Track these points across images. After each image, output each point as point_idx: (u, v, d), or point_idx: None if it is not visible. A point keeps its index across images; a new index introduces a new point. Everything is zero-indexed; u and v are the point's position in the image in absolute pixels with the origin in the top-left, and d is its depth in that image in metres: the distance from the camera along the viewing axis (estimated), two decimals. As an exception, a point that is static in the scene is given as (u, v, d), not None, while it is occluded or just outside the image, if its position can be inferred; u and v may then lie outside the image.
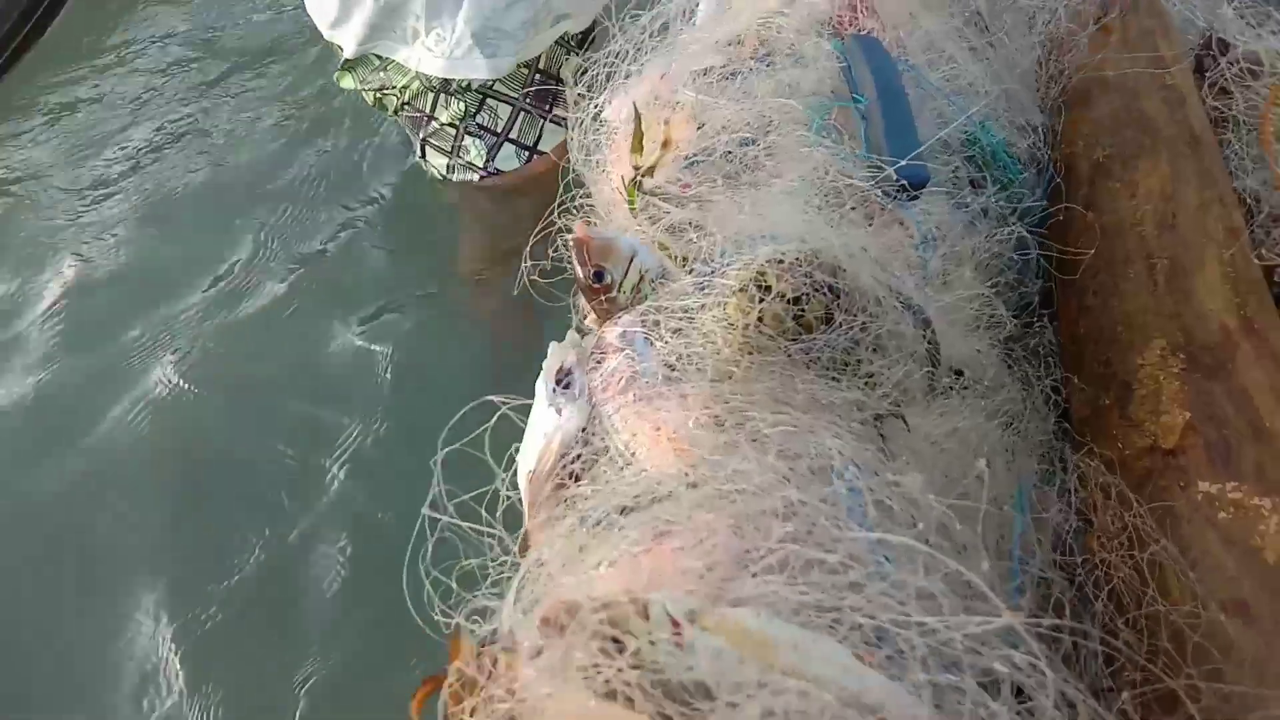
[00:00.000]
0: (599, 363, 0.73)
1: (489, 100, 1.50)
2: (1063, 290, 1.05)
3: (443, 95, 1.49)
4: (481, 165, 1.57)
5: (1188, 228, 1.01)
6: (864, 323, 0.72)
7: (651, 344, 0.71)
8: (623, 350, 0.71)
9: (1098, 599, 0.78)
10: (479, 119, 1.52)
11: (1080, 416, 0.97)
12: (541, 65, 1.52)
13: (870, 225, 0.81)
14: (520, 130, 1.54)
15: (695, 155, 0.85)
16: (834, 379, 0.70)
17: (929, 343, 0.77)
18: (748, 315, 0.69)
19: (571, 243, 0.76)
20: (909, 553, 0.59)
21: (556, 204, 0.95)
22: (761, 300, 0.69)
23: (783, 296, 0.69)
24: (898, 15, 1.03)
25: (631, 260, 0.76)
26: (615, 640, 0.44)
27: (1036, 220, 1.07)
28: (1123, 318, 0.98)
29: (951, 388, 0.81)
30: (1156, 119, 1.11)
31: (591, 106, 0.99)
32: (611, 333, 0.73)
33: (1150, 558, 0.79)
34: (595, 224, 0.86)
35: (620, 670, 0.43)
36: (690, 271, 0.75)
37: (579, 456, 0.66)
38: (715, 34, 1.01)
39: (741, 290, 0.69)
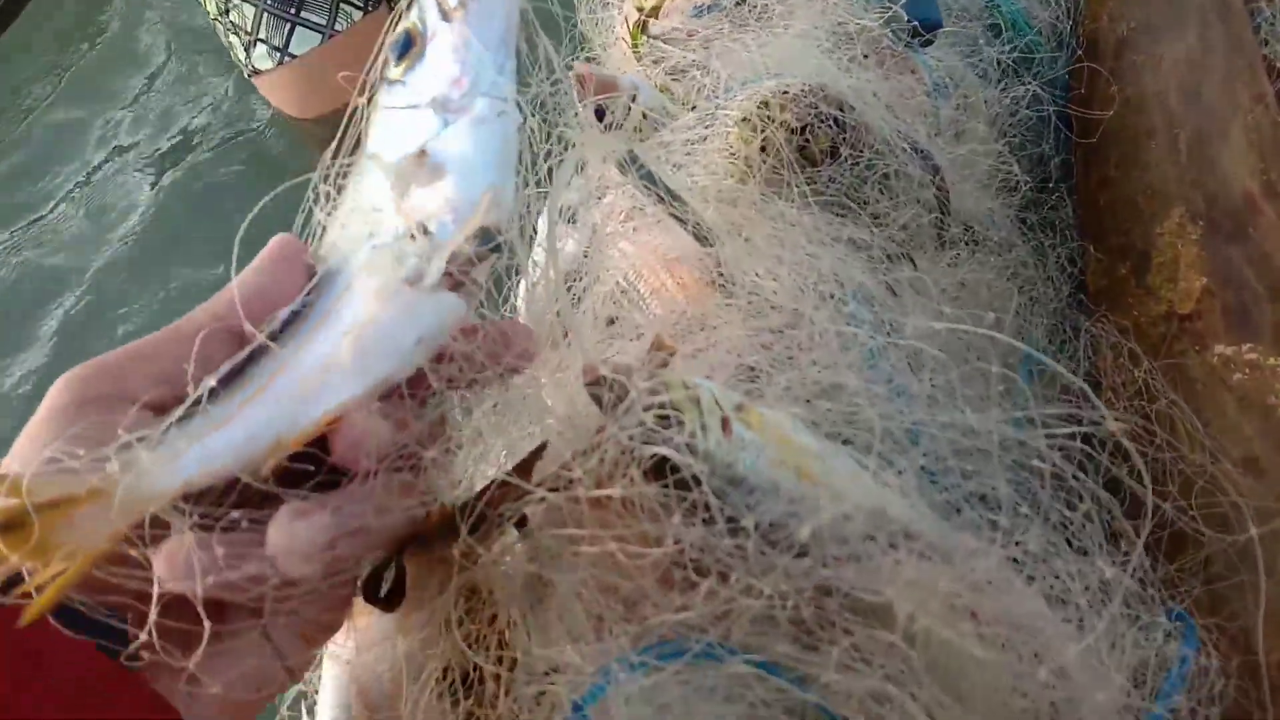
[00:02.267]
0: (599, 199, 0.71)
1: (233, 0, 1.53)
2: (1082, 163, 1.03)
3: None
4: (244, 63, 1.59)
5: (1213, 96, 0.97)
6: (870, 160, 0.70)
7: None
8: (623, 185, 0.70)
9: (1103, 452, 0.76)
10: (230, 18, 1.54)
11: (1097, 287, 0.95)
12: None
13: (881, 70, 0.78)
14: (268, 31, 1.55)
15: (704, 3, 0.83)
16: (839, 215, 0.69)
17: (938, 189, 0.75)
18: (750, 145, 0.67)
19: (571, 79, 0.74)
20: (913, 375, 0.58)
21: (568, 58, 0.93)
22: (764, 131, 0.67)
23: (786, 126, 0.67)
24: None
25: (634, 98, 0.74)
26: (665, 419, 0.42)
27: (1058, 95, 1.04)
28: (1143, 188, 0.96)
29: (961, 240, 0.79)
30: (1185, -11, 1.07)
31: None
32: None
33: (1160, 413, 0.78)
34: (598, 63, 0.84)
35: (677, 447, 0.41)
36: (693, 109, 0.73)
37: (579, 278, 0.65)
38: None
39: (744, 120, 0.67)
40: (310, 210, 0.46)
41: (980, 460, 0.58)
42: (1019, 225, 0.92)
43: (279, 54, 1.55)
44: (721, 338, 0.55)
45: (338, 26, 1.59)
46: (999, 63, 0.86)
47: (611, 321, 0.67)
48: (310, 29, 1.55)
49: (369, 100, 0.46)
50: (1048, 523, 0.54)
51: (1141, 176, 0.96)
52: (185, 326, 0.41)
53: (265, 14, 1.52)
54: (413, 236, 0.42)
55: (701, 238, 0.58)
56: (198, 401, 0.39)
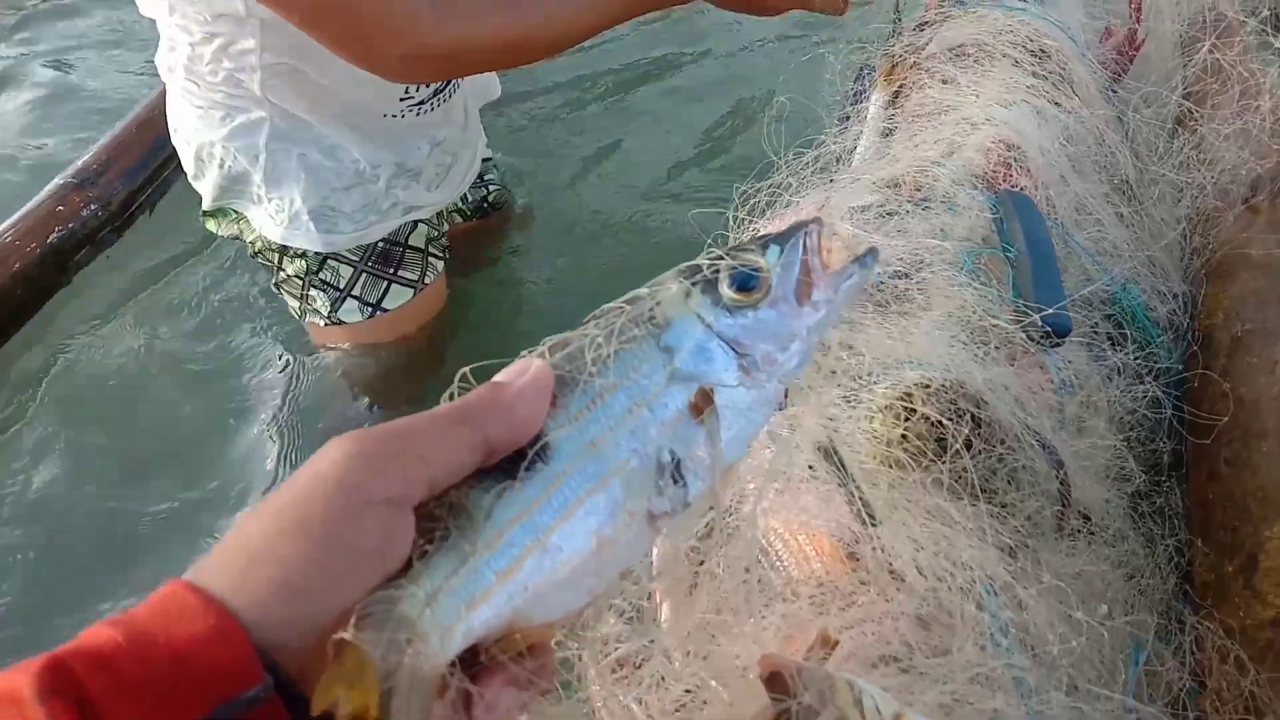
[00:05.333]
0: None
1: (330, 261, 1.58)
2: (1194, 455, 1.07)
3: (288, 253, 1.57)
4: (326, 315, 1.63)
5: (1327, 408, 1.02)
6: (1001, 454, 0.75)
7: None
8: (767, 448, 0.76)
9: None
10: (322, 275, 1.59)
11: (1202, 581, 0.97)
12: (388, 235, 1.60)
13: (1012, 365, 0.85)
14: (363, 289, 1.62)
15: (849, 282, 0.91)
16: (971, 505, 0.74)
17: (1061, 483, 0.80)
18: (892, 431, 0.73)
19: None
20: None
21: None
22: (907, 420, 0.74)
23: (927, 419, 0.73)
24: (1049, 176, 1.09)
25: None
26: None
27: (1171, 385, 1.10)
28: (1254, 490, 0.99)
29: (1079, 530, 0.83)
30: (1300, 300, 1.13)
31: (753, 231, 1.07)
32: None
33: (1268, 728, 0.79)
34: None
35: None
36: (837, 385, 0.80)
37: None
38: (874, 174, 1.08)
39: (888, 407, 0.74)
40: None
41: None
42: (1130, 514, 0.96)
43: (371, 309, 1.63)
44: (867, 618, 0.60)
45: (427, 279, 1.69)
46: (1124, 366, 0.93)
47: (747, 570, 0.72)
48: (404, 285, 1.65)
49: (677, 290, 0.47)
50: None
51: (1252, 478, 0.99)
52: (447, 423, 0.42)
53: (364, 274, 1.61)
54: (673, 478, 0.45)
55: (867, 518, 0.64)
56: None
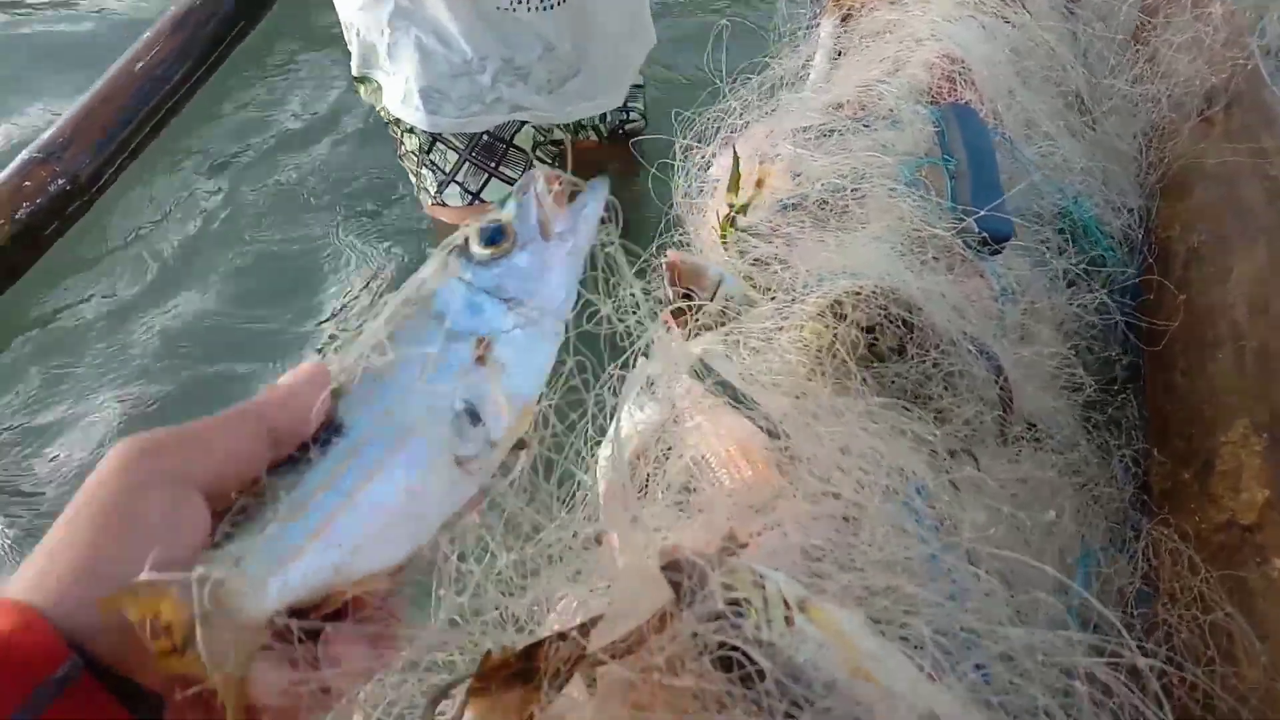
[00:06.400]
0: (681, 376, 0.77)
1: (438, 143, 1.69)
2: (1150, 366, 1.06)
3: (404, 128, 1.69)
4: (433, 194, 1.75)
5: (1281, 313, 1.01)
6: (935, 359, 0.74)
7: (730, 360, 0.75)
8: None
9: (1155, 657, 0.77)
10: (431, 156, 1.71)
11: (1160, 489, 0.97)
12: (494, 130, 1.68)
13: (951, 275, 0.84)
14: (465, 177, 1.72)
15: (789, 200, 0.90)
16: (905, 409, 0.73)
17: (1001, 388, 0.79)
18: (822, 339, 0.72)
19: (664, 266, 0.81)
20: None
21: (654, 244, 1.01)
22: (836, 327, 0.72)
23: (857, 325, 0.72)
24: (995, 89, 1.07)
25: (718, 285, 0.81)
26: (734, 605, 0.45)
27: (1128, 298, 1.08)
28: (1208, 396, 0.98)
29: (1023, 438, 0.83)
30: (1255, 207, 1.12)
31: (700, 157, 1.05)
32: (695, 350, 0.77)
33: (1216, 625, 0.79)
34: (689, 248, 0.91)
35: (744, 639, 0.45)
36: (773, 299, 0.79)
37: (656, 443, 0.70)
38: (819, 97, 1.07)
39: (819, 316, 0.73)
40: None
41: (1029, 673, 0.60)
42: (1083, 424, 0.95)
43: (471, 197, 1.73)
44: (786, 518, 0.59)
45: None
46: (1066, 272, 0.91)
47: (686, 490, 0.71)
48: (504, 181, 1.73)
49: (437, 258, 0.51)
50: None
51: (1207, 386, 0.99)
52: (228, 418, 0.45)
53: (468, 163, 1.70)
54: (472, 422, 0.47)
55: (770, 432, 0.63)
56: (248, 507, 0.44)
